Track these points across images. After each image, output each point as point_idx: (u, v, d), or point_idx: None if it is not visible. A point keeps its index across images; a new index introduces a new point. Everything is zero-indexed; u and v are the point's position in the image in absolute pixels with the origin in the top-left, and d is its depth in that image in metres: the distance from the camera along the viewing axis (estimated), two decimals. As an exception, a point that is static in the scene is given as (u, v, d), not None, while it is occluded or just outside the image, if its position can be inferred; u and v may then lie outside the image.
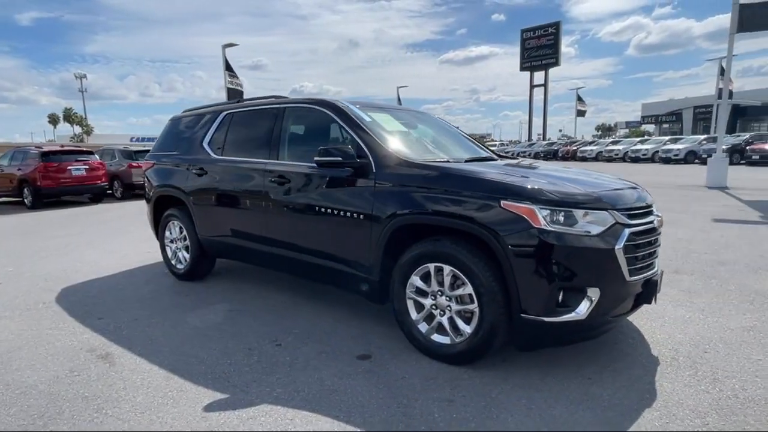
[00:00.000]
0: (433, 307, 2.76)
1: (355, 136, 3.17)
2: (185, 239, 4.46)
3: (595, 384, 2.48)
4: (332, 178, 3.20)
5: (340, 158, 3.00)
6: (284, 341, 3.12)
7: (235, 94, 18.54)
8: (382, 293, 3.03)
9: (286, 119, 3.70)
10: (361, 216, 2.98)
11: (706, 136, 27.42)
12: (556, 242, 2.33)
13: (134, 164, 12.87)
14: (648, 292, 2.64)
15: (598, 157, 32.45)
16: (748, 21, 12.35)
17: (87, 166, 11.82)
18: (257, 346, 3.05)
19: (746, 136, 24.76)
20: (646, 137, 38.82)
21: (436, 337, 2.76)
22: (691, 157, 24.97)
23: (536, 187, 2.48)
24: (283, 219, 3.53)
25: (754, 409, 2.22)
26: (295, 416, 2.24)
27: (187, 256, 4.47)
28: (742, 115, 41.79)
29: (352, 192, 3.06)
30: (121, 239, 6.93)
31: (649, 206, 2.81)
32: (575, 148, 36.00)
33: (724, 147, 14.81)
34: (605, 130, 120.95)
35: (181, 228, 4.48)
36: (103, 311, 3.77)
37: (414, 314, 2.85)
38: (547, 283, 2.35)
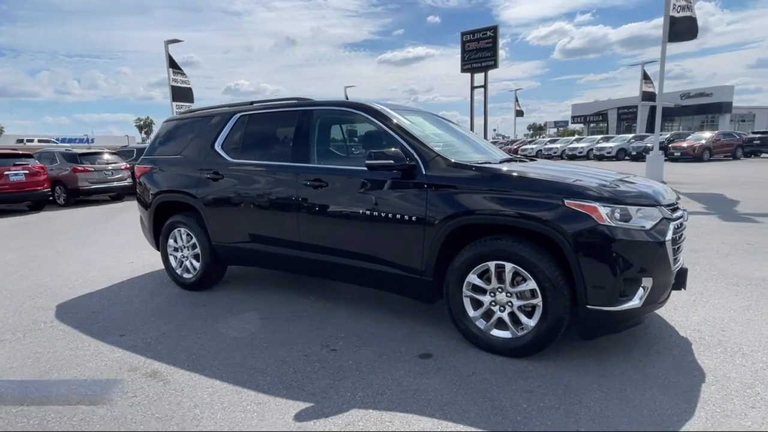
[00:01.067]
0: (492, 303, 2.88)
1: (399, 139, 3.21)
2: (194, 247, 4.26)
3: (648, 366, 2.71)
4: (377, 181, 3.22)
5: (391, 161, 3.03)
6: (337, 346, 3.10)
7: (180, 93, 17.65)
8: (433, 293, 3.10)
9: (316, 122, 3.65)
10: (413, 218, 3.04)
11: (633, 135, 29.88)
12: (618, 237, 2.53)
13: (80, 168, 11.92)
14: (680, 279, 2.92)
15: (538, 155, 34.29)
16: (676, 32, 13.69)
17: (27, 171, 10.78)
18: (312, 352, 3.01)
19: (667, 135, 27.26)
20: (578, 137, 41.55)
21: (496, 332, 2.88)
22: (622, 154, 27.13)
23: (596, 186, 2.67)
24: (320, 223, 3.49)
25: (788, 377, 2.54)
26: (392, 418, 2.26)
27: (197, 264, 4.27)
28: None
29: (402, 194, 3.10)
30: (92, 249, 6.43)
31: (678, 200, 3.10)
32: (516, 147, 37.76)
33: (650, 145, 16.21)
34: (536, 129, 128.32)
35: (189, 235, 4.28)
36: (121, 327, 3.53)
37: (471, 312, 2.95)
38: (612, 276, 2.55)
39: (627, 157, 26.35)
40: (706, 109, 45.90)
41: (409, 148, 3.13)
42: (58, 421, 2.31)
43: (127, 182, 12.60)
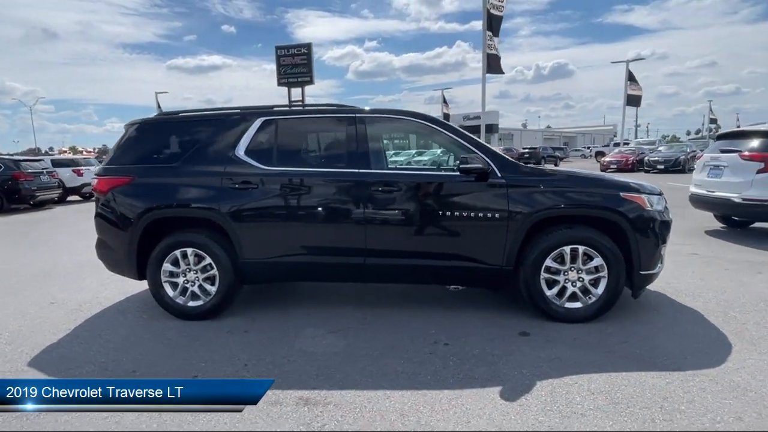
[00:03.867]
0: (566, 281, 3.49)
1: (469, 145, 3.57)
2: (208, 269, 3.70)
3: (698, 325, 3.64)
4: (455, 184, 3.51)
5: (480, 165, 3.38)
6: (440, 340, 3.26)
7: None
8: (510, 281, 3.55)
9: (369, 129, 3.68)
10: (497, 215, 3.44)
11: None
12: (655, 218, 3.46)
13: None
14: None
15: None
16: (490, 66, 16.92)
17: None
18: (431, 348, 3.12)
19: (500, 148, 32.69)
20: (422, 150, 46.00)
21: (569, 305, 3.51)
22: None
23: (634, 183, 3.56)
24: (394, 228, 3.55)
25: None
26: (590, 384, 2.62)
27: (211, 288, 3.71)
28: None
29: (485, 195, 3.47)
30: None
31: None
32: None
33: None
34: None
35: (199, 256, 3.69)
36: (182, 368, 2.93)
37: (547, 291, 3.51)
38: (654, 246, 3.46)
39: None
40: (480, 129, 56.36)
41: (482, 154, 3.52)
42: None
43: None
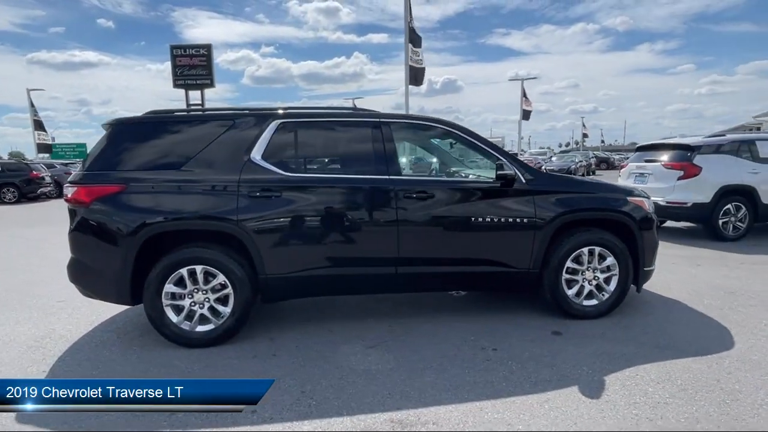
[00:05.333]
0: (584, 280, 3.73)
1: (495, 153, 3.65)
2: (221, 288, 3.28)
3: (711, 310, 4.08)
4: (485, 190, 3.57)
5: (512, 172, 3.48)
6: (485, 346, 3.26)
7: None
8: (536, 283, 3.68)
9: (395, 134, 3.58)
10: (525, 220, 3.56)
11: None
12: (654, 219, 3.85)
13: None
14: None
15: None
16: (413, 77, 17.50)
17: None
18: (488, 356, 3.11)
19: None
20: (420, 156, 45.50)
21: (586, 302, 3.74)
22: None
23: (636, 187, 3.92)
24: (428, 235, 3.48)
25: None
26: (649, 375, 2.80)
27: (225, 309, 3.30)
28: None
29: (514, 201, 3.56)
30: None
31: None
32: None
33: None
34: None
35: (209, 275, 3.26)
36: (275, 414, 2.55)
37: (568, 291, 3.71)
38: (655, 244, 3.85)
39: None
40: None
41: (506, 160, 3.62)
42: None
43: None
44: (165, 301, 3.24)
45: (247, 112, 3.56)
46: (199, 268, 3.24)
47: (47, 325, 3.84)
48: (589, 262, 3.71)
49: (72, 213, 3.30)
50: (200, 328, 3.31)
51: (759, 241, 6.84)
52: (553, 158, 28.55)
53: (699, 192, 6.77)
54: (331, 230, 3.41)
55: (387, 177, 3.45)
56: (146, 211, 3.20)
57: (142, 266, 3.23)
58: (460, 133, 3.72)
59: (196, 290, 3.28)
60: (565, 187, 3.73)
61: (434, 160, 4.41)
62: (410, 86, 17.94)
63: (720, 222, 6.84)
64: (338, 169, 3.60)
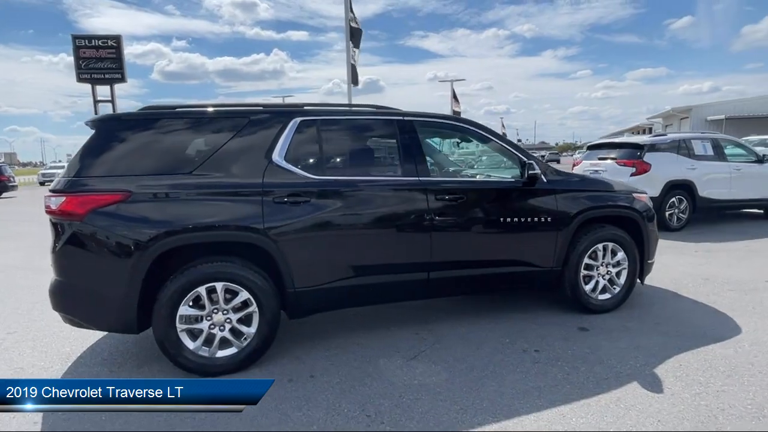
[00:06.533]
0: (598, 275, 3.84)
1: (516, 152, 3.63)
2: (243, 307, 2.92)
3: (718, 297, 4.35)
4: (513, 190, 3.54)
5: (539, 171, 3.48)
6: (526, 348, 3.23)
7: None
8: (558, 281, 3.73)
9: (420, 134, 3.42)
10: (549, 218, 3.58)
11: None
12: (654, 213, 4.07)
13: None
14: None
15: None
16: (354, 77, 17.31)
17: None
18: (534, 358, 3.06)
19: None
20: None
21: (601, 297, 3.86)
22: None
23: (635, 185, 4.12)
24: (460, 237, 3.37)
25: None
26: (692, 364, 2.92)
27: (249, 330, 2.94)
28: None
29: (538, 200, 3.57)
30: None
31: None
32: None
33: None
34: None
35: (230, 293, 2.89)
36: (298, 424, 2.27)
37: (585, 287, 3.80)
38: (656, 238, 4.06)
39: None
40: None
41: (528, 159, 3.61)
42: None
43: None
44: (180, 326, 2.81)
45: (261, 108, 3.21)
46: (219, 285, 2.85)
47: (8, 363, 3.18)
48: (603, 258, 3.83)
49: (57, 227, 2.75)
50: (221, 353, 2.91)
51: (699, 230, 7.59)
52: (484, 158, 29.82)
53: (650, 187, 7.29)
54: (363, 236, 3.18)
55: (418, 179, 3.29)
56: (157, 222, 2.75)
57: (148, 288, 2.78)
58: (483, 132, 3.66)
59: (215, 310, 2.89)
60: (581, 186, 3.81)
61: (453, 159, 4.33)
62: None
63: (666, 214, 7.49)
64: (364, 170, 3.37)
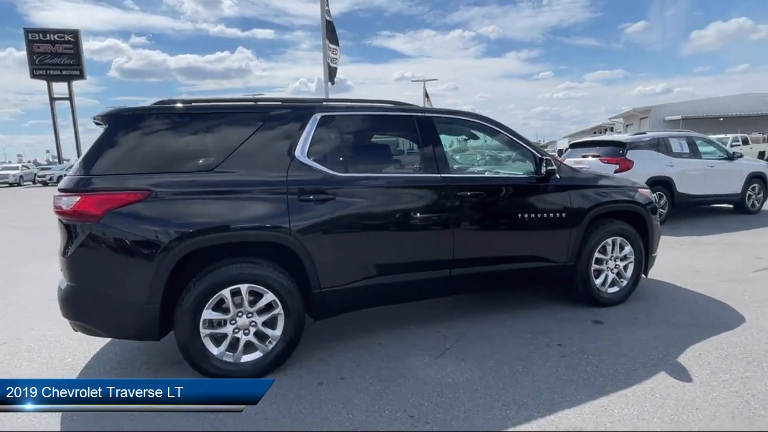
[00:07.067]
0: (607, 269, 3.92)
1: (530, 148, 3.67)
2: (268, 309, 2.82)
3: (717, 287, 4.50)
4: (530, 186, 3.57)
5: (554, 168, 3.52)
6: (549, 343, 3.26)
7: None
8: (570, 275, 3.78)
9: (439, 130, 3.40)
10: (563, 214, 3.63)
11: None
12: (657, 208, 4.20)
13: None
14: None
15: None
16: (331, 75, 17.14)
17: None
18: (560, 352, 3.09)
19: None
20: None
21: (610, 290, 3.95)
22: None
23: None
24: (482, 234, 3.37)
25: None
26: (712, 353, 3.02)
27: (275, 332, 2.84)
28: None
29: (554, 196, 3.61)
30: None
31: None
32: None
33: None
34: None
35: (254, 295, 2.78)
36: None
37: (595, 280, 3.87)
38: (659, 232, 4.19)
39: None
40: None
41: (542, 156, 3.65)
42: None
43: None
44: (203, 331, 2.68)
45: (280, 103, 3.11)
46: (244, 288, 2.74)
47: (6, 377, 2.95)
48: (612, 252, 3.91)
49: (69, 229, 2.56)
50: (246, 358, 2.80)
51: (676, 225, 7.90)
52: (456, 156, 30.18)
53: (633, 183, 7.60)
54: (388, 234, 3.13)
55: (440, 175, 3.26)
56: (180, 222, 2.61)
57: (169, 292, 2.64)
58: (498, 129, 3.67)
59: (239, 314, 2.77)
60: (592, 182, 3.88)
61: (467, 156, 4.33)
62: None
63: (647, 209, 7.76)
64: (385, 167, 3.32)
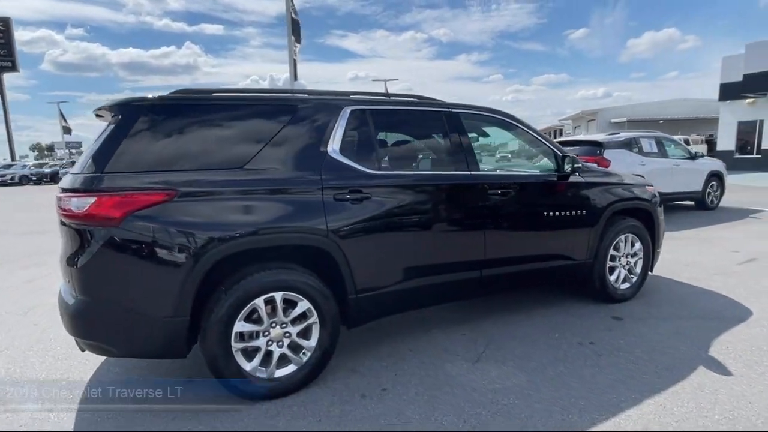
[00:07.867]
0: (620, 266, 3.97)
1: (550, 146, 3.64)
2: (302, 318, 2.60)
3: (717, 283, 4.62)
4: (554, 184, 3.55)
5: (580, 165, 3.51)
6: (581, 342, 3.22)
7: None
8: (589, 273, 3.79)
9: (466, 127, 3.29)
10: (583, 212, 3.64)
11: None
12: (661, 202, 4.31)
13: None
14: None
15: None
16: (295, 72, 16.71)
17: None
18: (596, 351, 3.06)
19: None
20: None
21: (622, 286, 4.00)
22: (25, 180, 31.44)
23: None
24: (512, 233, 3.31)
25: None
26: (738, 345, 3.08)
27: (310, 343, 2.62)
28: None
29: (576, 194, 3.60)
30: None
31: None
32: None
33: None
34: (42, 150, 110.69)
35: (287, 303, 2.56)
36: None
37: (610, 277, 3.91)
38: (664, 228, 4.30)
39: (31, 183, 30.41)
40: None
41: (561, 153, 3.63)
42: None
43: None
44: (235, 345, 2.43)
45: (306, 96, 2.88)
46: (279, 296, 2.50)
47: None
48: (624, 248, 3.96)
49: (81, 235, 2.23)
50: (280, 373, 2.56)
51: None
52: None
53: (610, 182, 7.86)
54: (424, 234, 2.98)
55: (470, 173, 3.16)
56: (210, 225, 2.34)
57: (203, 299, 2.37)
58: (521, 126, 3.61)
59: (273, 324, 2.53)
60: (607, 179, 3.91)
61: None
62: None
63: (622, 207, 8.05)
64: (417, 164, 3.17)
